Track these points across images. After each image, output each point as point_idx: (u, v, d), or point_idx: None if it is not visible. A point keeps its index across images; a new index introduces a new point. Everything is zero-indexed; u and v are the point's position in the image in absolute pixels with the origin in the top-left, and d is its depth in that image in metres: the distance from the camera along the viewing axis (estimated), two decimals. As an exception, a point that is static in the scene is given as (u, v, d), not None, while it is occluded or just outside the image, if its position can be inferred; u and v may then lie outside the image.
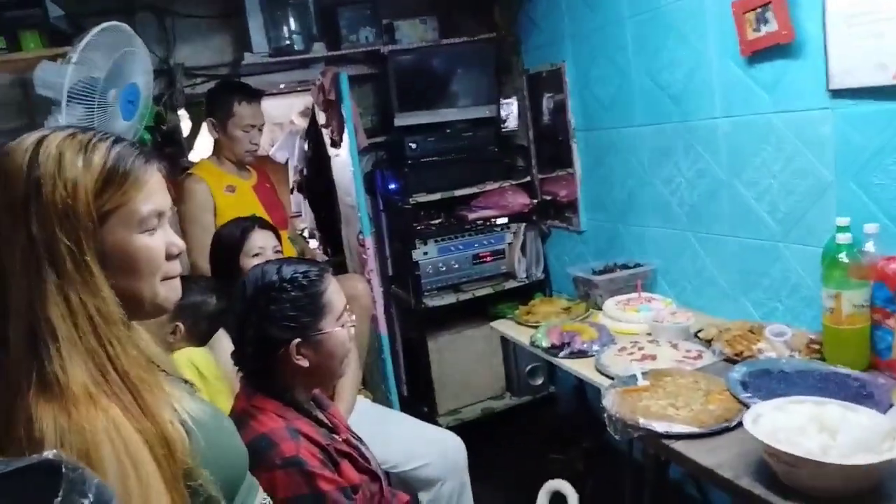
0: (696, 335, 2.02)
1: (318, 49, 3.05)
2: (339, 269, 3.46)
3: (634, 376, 1.66)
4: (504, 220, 3.28)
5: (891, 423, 1.17)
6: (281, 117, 4.49)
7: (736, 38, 1.95)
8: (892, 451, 1.11)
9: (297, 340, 1.36)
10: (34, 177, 0.82)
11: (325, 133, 3.32)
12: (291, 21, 2.95)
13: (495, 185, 3.26)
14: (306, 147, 4.19)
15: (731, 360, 1.76)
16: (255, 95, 2.58)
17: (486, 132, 3.29)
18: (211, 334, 1.89)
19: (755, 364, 1.65)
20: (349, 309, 1.49)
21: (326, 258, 3.81)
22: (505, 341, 3.25)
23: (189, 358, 1.74)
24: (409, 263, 3.16)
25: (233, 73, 3.04)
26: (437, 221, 3.27)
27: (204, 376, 1.74)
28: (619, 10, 2.47)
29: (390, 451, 2.08)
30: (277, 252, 2.08)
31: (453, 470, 2.16)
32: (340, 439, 1.44)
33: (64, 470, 0.57)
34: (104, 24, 1.98)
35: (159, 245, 0.91)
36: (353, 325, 1.49)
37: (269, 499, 1.09)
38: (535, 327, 2.34)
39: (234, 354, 1.42)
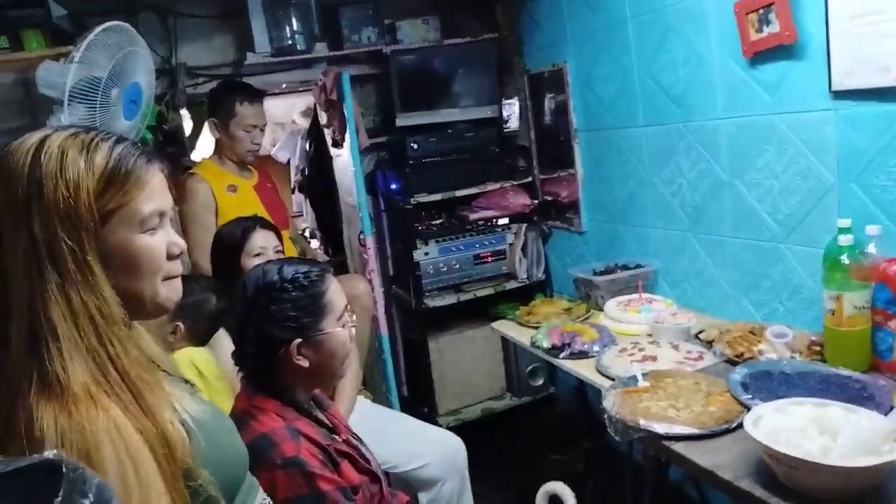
0: (696, 336, 2.02)
1: (320, 49, 3.05)
2: (341, 269, 3.46)
3: (635, 377, 1.66)
4: (505, 221, 3.28)
5: (891, 424, 1.17)
6: (283, 117, 4.48)
7: (738, 39, 1.95)
8: (892, 452, 1.11)
9: (298, 340, 1.36)
10: (36, 176, 0.82)
11: (327, 133, 3.32)
12: (294, 21, 2.95)
13: (496, 186, 3.26)
14: (308, 147, 4.19)
15: (731, 362, 1.76)
16: (257, 95, 2.58)
17: (487, 132, 3.29)
18: (211, 334, 1.89)
19: (756, 365, 1.65)
20: (350, 309, 1.49)
21: (327, 258, 3.81)
22: (505, 342, 3.25)
23: (189, 357, 1.75)
24: (410, 263, 3.16)
25: (235, 72, 3.04)
26: (438, 222, 3.27)
27: (204, 376, 1.74)
28: (621, 11, 2.47)
29: (390, 452, 2.08)
30: (279, 252, 2.08)
31: (453, 470, 2.16)
32: (340, 440, 1.44)
33: (64, 470, 0.57)
34: (107, 24, 1.99)
35: (160, 245, 0.91)
36: (354, 326, 1.50)
37: (269, 499, 1.09)
38: (536, 328, 2.34)
39: (234, 354, 1.42)
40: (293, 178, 4.72)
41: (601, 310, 2.42)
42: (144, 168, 0.89)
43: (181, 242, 0.95)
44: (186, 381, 1.01)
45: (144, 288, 0.89)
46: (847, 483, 1.13)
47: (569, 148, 2.96)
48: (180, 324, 1.81)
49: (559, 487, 1.84)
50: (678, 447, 1.40)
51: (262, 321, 1.36)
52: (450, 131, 3.23)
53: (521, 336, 2.39)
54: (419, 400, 3.38)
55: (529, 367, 3.35)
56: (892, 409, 1.34)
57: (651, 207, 2.53)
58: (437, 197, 3.15)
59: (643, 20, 2.37)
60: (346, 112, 2.94)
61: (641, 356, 1.90)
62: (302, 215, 4.63)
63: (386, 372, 3.01)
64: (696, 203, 2.29)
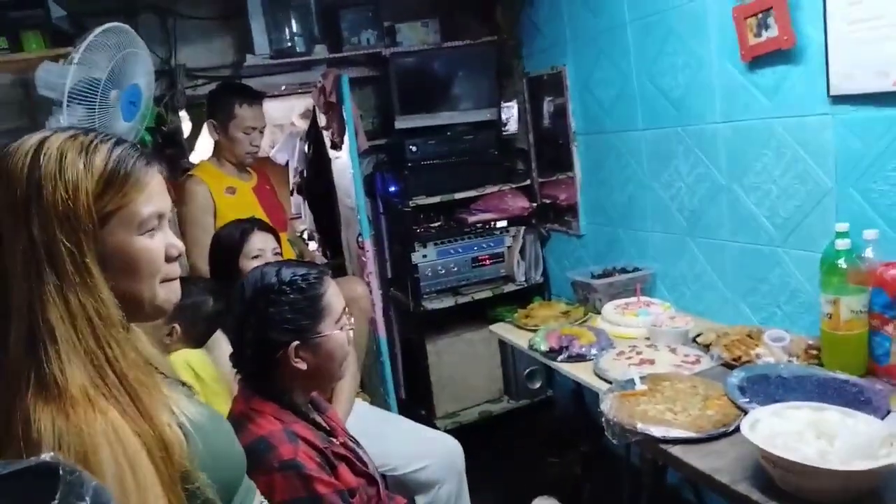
0: (694, 340, 2.02)
1: (320, 51, 3.06)
2: (339, 271, 3.46)
3: (632, 380, 1.66)
4: (503, 224, 3.27)
5: (888, 428, 1.18)
6: (282, 119, 4.49)
7: (736, 43, 1.95)
8: (889, 456, 1.11)
9: (296, 343, 1.36)
10: (35, 178, 0.82)
11: (326, 135, 3.32)
12: (293, 23, 2.95)
13: (495, 189, 3.26)
14: (306, 149, 4.19)
15: (729, 365, 1.76)
16: (257, 97, 2.58)
17: (486, 135, 3.29)
18: (208, 336, 1.89)
19: (753, 369, 1.66)
20: (348, 312, 1.49)
21: (326, 260, 3.81)
22: (503, 345, 3.25)
23: (186, 359, 1.74)
24: (409, 266, 3.16)
25: (234, 74, 3.04)
26: (436, 224, 3.27)
27: (200, 378, 1.74)
28: (620, 15, 2.47)
29: (388, 454, 2.08)
30: (277, 254, 2.08)
31: (451, 473, 2.16)
32: (338, 442, 1.44)
33: (61, 472, 0.57)
34: (106, 25, 1.99)
35: (159, 247, 0.91)
36: (352, 328, 1.50)
37: (266, 502, 1.09)
38: (534, 331, 2.34)
39: (232, 356, 1.42)
40: (292, 180, 4.72)
41: (599, 313, 2.42)
42: (143, 170, 0.90)
43: (180, 244, 0.95)
44: (184, 384, 1.01)
45: (143, 290, 0.89)
46: (844, 487, 1.13)
47: (567, 151, 2.96)
48: (177, 326, 1.81)
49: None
50: (675, 450, 1.40)
51: (260, 323, 1.36)
52: (449, 134, 3.23)
53: (519, 339, 2.39)
54: (417, 402, 3.38)
55: (527, 371, 3.35)
56: (888, 413, 1.35)
57: (649, 211, 2.53)
58: (435, 199, 3.15)
59: (643, 24, 2.38)
60: (345, 114, 2.94)
61: (639, 359, 1.90)
62: (300, 217, 4.63)
63: (384, 374, 3.01)
64: (694, 207, 2.30)
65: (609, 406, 1.57)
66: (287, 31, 2.94)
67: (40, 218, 0.81)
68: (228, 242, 2.05)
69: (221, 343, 1.81)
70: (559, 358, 2.09)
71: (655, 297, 2.46)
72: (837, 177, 1.76)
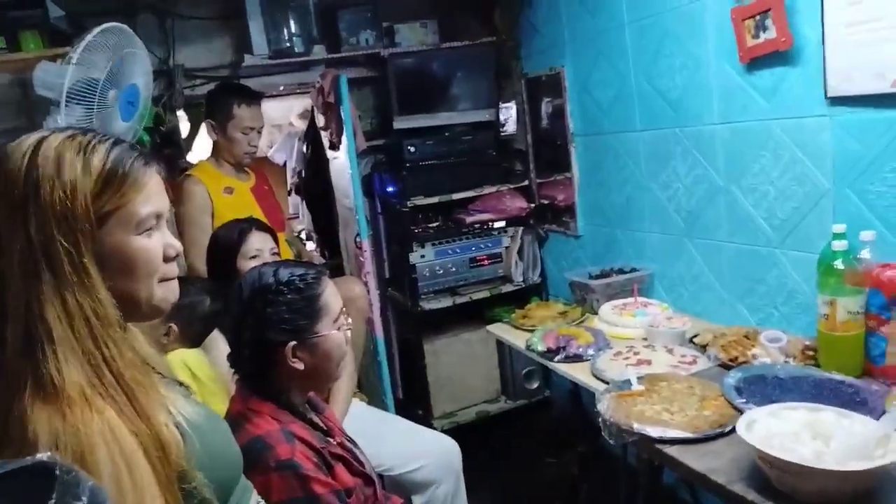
0: (691, 340, 2.02)
1: (318, 51, 3.06)
2: (337, 271, 3.46)
3: (629, 381, 1.67)
4: (501, 224, 3.28)
5: (883, 429, 1.18)
6: (280, 119, 4.49)
7: (735, 45, 1.95)
8: (884, 457, 1.12)
9: (294, 343, 1.36)
10: (33, 178, 0.82)
11: (324, 135, 3.32)
12: (292, 23, 2.95)
13: (493, 189, 3.27)
14: (305, 149, 4.19)
15: (726, 366, 1.77)
16: (255, 98, 2.58)
17: (484, 136, 3.29)
18: (204, 336, 1.89)
19: (750, 370, 1.66)
20: (346, 312, 1.49)
21: (324, 261, 3.81)
22: (501, 345, 3.26)
23: (182, 359, 1.74)
24: (407, 266, 3.16)
25: (232, 74, 3.04)
26: (434, 224, 3.28)
27: (197, 378, 1.74)
28: (619, 16, 2.48)
29: (385, 454, 2.08)
30: (275, 254, 2.08)
31: (448, 473, 2.16)
32: (335, 442, 1.44)
33: (58, 472, 0.57)
34: (105, 25, 1.99)
35: (157, 247, 0.91)
36: (350, 329, 1.50)
37: (262, 502, 1.09)
38: (531, 331, 2.34)
39: (230, 357, 1.43)
40: (290, 180, 4.72)
41: (596, 313, 2.42)
42: (142, 170, 0.90)
43: (177, 244, 0.95)
44: (181, 384, 1.01)
45: (140, 290, 0.90)
46: (840, 487, 1.13)
47: (565, 152, 2.96)
48: (173, 325, 1.81)
49: None
50: (672, 451, 1.41)
51: (258, 323, 1.36)
52: (447, 134, 3.23)
53: (517, 339, 2.39)
54: (414, 403, 3.38)
55: (524, 371, 3.35)
56: (884, 413, 1.35)
57: (647, 212, 2.54)
58: (433, 200, 3.16)
59: (641, 25, 2.38)
60: (343, 115, 2.94)
61: (636, 360, 1.91)
62: (298, 217, 4.63)
63: (381, 374, 3.01)
64: (692, 208, 2.30)
65: (606, 406, 1.57)
66: (285, 31, 2.94)
67: (38, 218, 0.81)
68: (226, 242, 2.05)
69: (219, 343, 1.81)
70: (556, 358, 2.09)
71: (653, 298, 2.46)
72: (835, 178, 1.76)
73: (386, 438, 2.16)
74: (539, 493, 2.82)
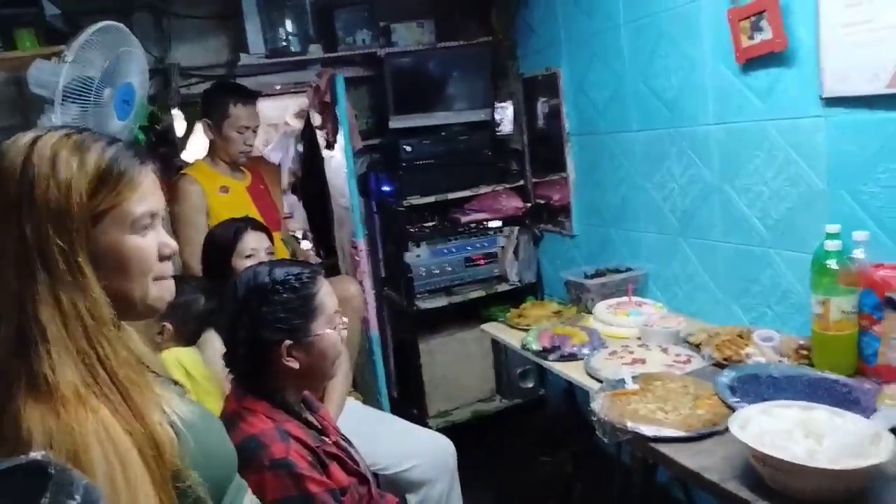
0: (685, 340, 2.03)
1: (315, 51, 3.06)
2: (332, 271, 3.46)
3: (624, 380, 1.67)
4: (497, 224, 3.28)
5: (875, 428, 1.19)
6: (276, 118, 4.48)
7: (730, 45, 1.96)
8: (876, 455, 1.13)
9: (289, 342, 1.36)
10: (28, 177, 0.82)
11: (320, 135, 3.32)
12: (288, 22, 2.95)
13: (489, 189, 3.27)
14: (301, 148, 4.19)
15: (720, 365, 1.77)
16: (251, 97, 2.58)
17: (480, 135, 3.30)
18: (199, 334, 1.89)
19: (744, 369, 1.67)
20: (341, 311, 1.49)
21: (319, 260, 3.81)
22: (496, 344, 3.26)
23: (177, 357, 1.75)
24: (402, 266, 3.16)
25: (229, 73, 3.04)
26: (430, 224, 3.28)
27: (192, 376, 1.74)
28: (615, 16, 2.48)
29: (380, 453, 2.09)
30: (270, 254, 2.08)
31: (443, 472, 2.16)
32: (330, 441, 1.44)
33: (52, 471, 0.57)
34: (101, 24, 1.98)
35: (151, 245, 0.91)
36: (345, 328, 1.50)
37: (256, 500, 1.09)
38: (527, 330, 2.34)
39: (225, 356, 1.43)
40: (285, 179, 4.71)
41: (591, 313, 2.42)
42: (137, 169, 0.90)
43: (172, 243, 0.95)
44: (175, 383, 1.01)
45: (135, 288, 0.90)
46: (832, 485, 1.14)
47: (561, 152, 2.97)
48: (168, 324, 1.81)
49: None
50: (665, 449, 1.41)
51: (253, 322, 1.36)
52: (443, 134, 3.23)
53: (512, 338, 2.40)
54: (409, 402, 3.39)
55: (520, 370, 3.36)
56: (875, 411, 1.36)
57: (642, 212, 2.54)
58: (429, 199, 3.16)
59: (637, 26, 2.39)
60: (339, 114, 2.94)
61: (631, 359, 1.91)
62: (292, 216, 4.62)
63: (376, 373, 3.01)
64: (686, 208, 2.31)
65: (600, 405, 1.58)
66: (282, 30, 2.94)
67: (33, 217, 0.81)
68: (222, 241, 2.05)
69: (214, 342, 1.81)
70: (551, 357, 2.10)
71: (647, 298, 2.47)
72: (829, 179, 1.77)
73: (381, 437, 2.16)
74: (533, 492, 2.83)
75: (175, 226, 2.40)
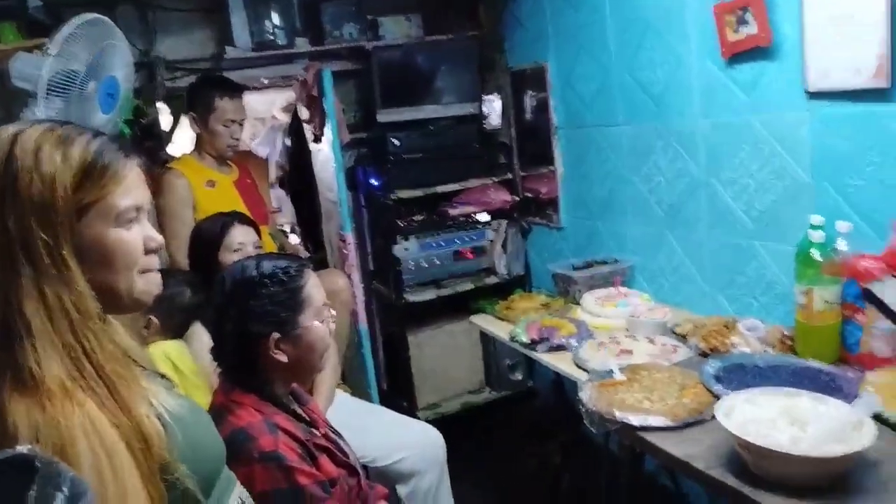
0: (672, 330, 2.05)
1: (302, 44, 3.04)
2: (320, 264, 3.45)
3: (611, 370, 1.68)
4: (485, 217, 3.29)
5: (856, 414, 1.21)
6: (263, 112, 4.46)
7: (716, 40, 1.97)
8: (858, 441, 1.15)
9: (276, 335, 1.36)
10: (11, 170, 0.82)
11: (308, 128, 3.31)
12: (274, 16, 2.93)
13: (477, 182, 3.27)
14: (288, 142, 4.17)
15: (706, 355, 1.79)
16: (237, 90, 2.56)
17: (468, 129, 3.30)
18: (185, 327, 1.88)
19: (729, 358, 1.69)
20: (329, 304, 1.49)
21: (308, 254, 3.80)
22: (485, 336, 3.25)
23: (164, 351, 1.74)
24: (391, 259, 3.16)
25: (214, 67, 3.02)
26: (418, 217, 3.28)
27: (179, 370, 1.74)
28: (601, 10, 2.49)
29: (369, 445, 2.09)
30: (258, 248, 2.07)
31: (432, 463, 2.17)
32: (319, 434, 1.44)
33: (38, 464, 0.57)
34: (85, 16, 1.96)
35: (136, 239, 0.91)
36: (333, 321, 1.50)
37: (245, 492, 1.09)
38: (515, 322, 2.35)
39: (213, 349, 1.42)
40: (272, 173, 4.69)
41: (579, 304, 2.44)
42: (122, 162, 0.89)
43: (158, 237, 0.95)
44: (162, 376, 1.01)
45: (120, 282, 0.89)
46: (815, 472, 1.16)
47: (549, 145, 2.97)
48: (153, 318, 1.80)
49: None
50: (653, 438, 1.43)
51: (241, 316, 1.36)
52: (431, 127, 3.23)
53: (500, 330, 2.41)
54: (398, 394, 3.39)
55: (508, 362, 3.37)
56: (856, 398, 1.38)
57: (629, 204, 2.56)
58: (417, 193, 3.15)
59: (623, 19, 2.39)
60: (326, 108, 2.93)
61: (618, 350, 1.93)
62: (280, 210, 4.61)
63: (365, 366, 3.01)
64: (672, 200, 2.32)
65: (588, 395, 1.59)
66: (268, 23, 2.92)
67: (16, 210, 0.81)
68: (209, 235, 2.04)
69: (201, 336, 1.80)
70: (540, 348, 2.11)
71: (634, 289, 2.48)
72: (813, 171, 1.79)
73: (370, 429, 2.16)
74: (523, 483, 2.85)
75: (161, 219, 2.39)
